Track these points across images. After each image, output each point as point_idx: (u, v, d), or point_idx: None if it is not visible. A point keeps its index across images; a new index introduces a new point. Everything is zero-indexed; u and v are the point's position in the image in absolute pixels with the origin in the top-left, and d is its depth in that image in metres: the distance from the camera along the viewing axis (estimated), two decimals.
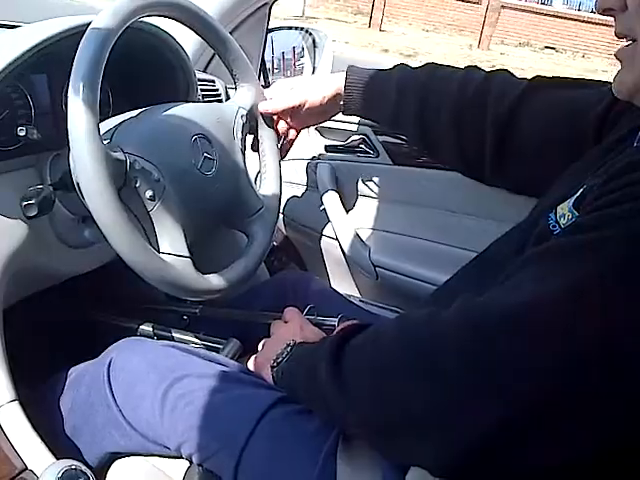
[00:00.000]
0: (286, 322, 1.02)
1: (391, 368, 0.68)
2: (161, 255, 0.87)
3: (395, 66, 1.14)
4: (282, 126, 1.16)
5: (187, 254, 0.89)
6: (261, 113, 1.12)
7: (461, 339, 0.62)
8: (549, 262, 0.62)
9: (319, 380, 0.77)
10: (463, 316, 0.64)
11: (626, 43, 0.71)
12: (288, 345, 0.91)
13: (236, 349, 1.07)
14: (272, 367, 0.91)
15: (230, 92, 1.42)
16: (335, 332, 0.85)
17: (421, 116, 1.08)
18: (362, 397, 0.71)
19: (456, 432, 0.62)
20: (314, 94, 1.14)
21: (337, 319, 1.03)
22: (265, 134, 1.13)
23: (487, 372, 0.60)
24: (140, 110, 0.96)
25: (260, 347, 0.99)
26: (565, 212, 0.69)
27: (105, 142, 0.82)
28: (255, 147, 1.15)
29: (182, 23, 0.99)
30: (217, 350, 1.05)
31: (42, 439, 0.84)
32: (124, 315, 1.21)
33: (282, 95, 1.14)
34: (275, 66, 1.73)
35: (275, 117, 1.15)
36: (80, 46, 0.81)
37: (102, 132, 0.82)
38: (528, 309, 0.60)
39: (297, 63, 1.79)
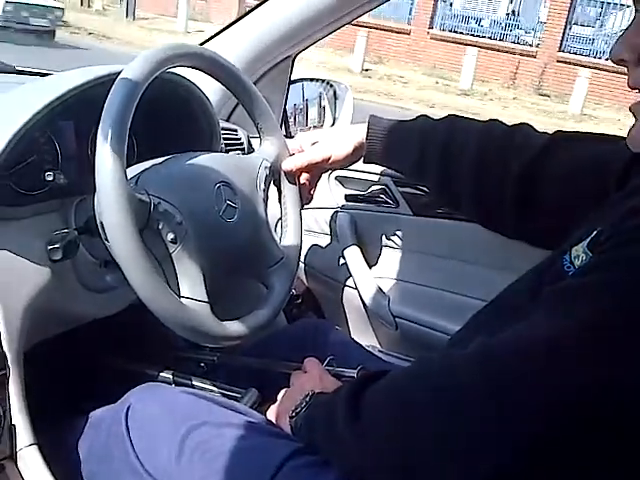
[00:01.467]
0: (305, 372, 1.01)
1: (410, 412, 0.68)
2: (181, 299, 0.87)
3: (417, 117, 1.15)
4: (304, 177, 1.17)
5: (206, 299, 0.90)
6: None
7: (476, 374, 0.63)
8: (563, 301, 0.63)
9: (337, 430, 0.76)
10: (479, 356, 0.65)
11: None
12: (307, 395, 0.91)
13: (255, 398, 1.06)
14: (291, 417, 0.90)
15: (252, 141, 1.44)
16: (352, 381, 0.84)
17: (443, 167, 1.09)
18: (381, 440, 0.71)
19: (478, 471, 0.61)
20: (338, 148, 1.15)
21: (356, 371, 1.02)
22: (287, 186, 1.14)
23: (504, 405, 0.60)
24: (165, 157, 0.98)
25: (279, 397, 0.98)
26: (580, 253, 0.69)
27: (130, 184, 0.84)
28: (278, 198, 1.16)
29: (208, 74, 1.02)
30: (236, 398, 1.05)
31: None
32: (143, 361, 1.21)
33: (306, 151, 1.15)
34: (297, 116, 1.75)
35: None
36: (110, 93, 0.83)
37: (129, 174, 0.84)
38: (543, 345, 0.61)
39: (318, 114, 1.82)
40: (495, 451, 0.61)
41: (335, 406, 0.78)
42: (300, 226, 1.14)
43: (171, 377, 1.15)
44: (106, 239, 0.82)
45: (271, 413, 0.96)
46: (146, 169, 0.94)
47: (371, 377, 0.79)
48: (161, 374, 1.15)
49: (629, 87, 0.73)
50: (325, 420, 0.82)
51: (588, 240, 0.69)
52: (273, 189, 1.13)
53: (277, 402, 0.97)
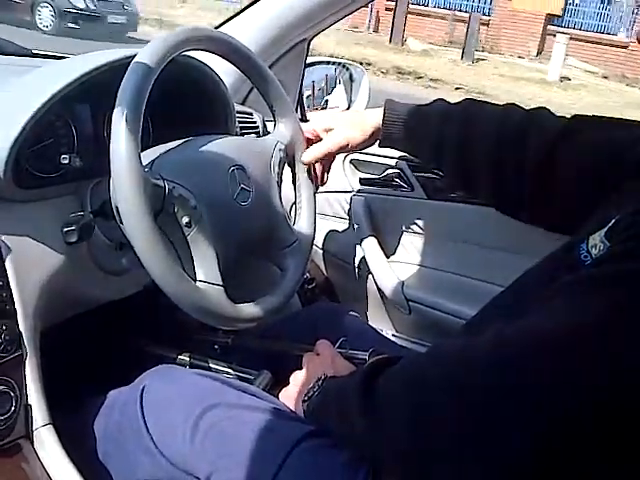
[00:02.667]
0: (318, 354, 1.01)
1: (424, 398, 0.68)
2: (195, 282, 0.87)
3: (434, 101, 1.14)
4: (319, 164, 1.17)
5: (221, 282, 0.90)
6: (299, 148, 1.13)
7: (494, 366, 0.62)
8: (581, 292, 0.62)
9: (350, 415, 0.76)
10: (495, 344, 0.64)
11: None
12: (319, 379, 0.91)
13: (267, 380, 1.06)
14: (303, 401, 0.91)
15: (267, 125, 1.44)
16: (365, 365, 0.85)
17: (460, 151, 1.08)
18: (395, 429, 0.70)
19: (492, 461, 0.61)
20: (354, 136, 1.14)
21: (368, 353, 1.02)
22: (301, 168, 1.14)
23: (520, 398, 0.60)
24: (180, 141, 0.98)
25: (292, 379, 0.98)
26: (597, 242, 0.68)
27: (145, 169, 0.84)
28: (292, 180, 1.16)
29: (224, 57, 1.02)
30: (249, 380, 1.06)
31: (74, 463, 0.84)
32: (157, 342, 1.22)
33: (323, 142, 1.14)
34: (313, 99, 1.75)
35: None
36: (125, 77, 0.83)
37: (143, 159, 0.84)
38: (561, 334, 0.60)
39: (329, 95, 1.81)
40: (511, 439, 0.60)
41: (348, 392, 0.78)
42: (314, 209, 1.14)
43: (186, 359, 1.16)
44: (121, 222, 0.82)
45: (284, 396, 0.97)
46: (161, 154, 0.94)
47: (384, 363, 0.79)
48: (174, 355, 1.16)
49: None
50: (338, 406, 0.82)
51: (606, 229, 0.68)
52: (287, 172, 1.13)
53: (290, 385, 0.98)
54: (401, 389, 0.72)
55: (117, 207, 0.82)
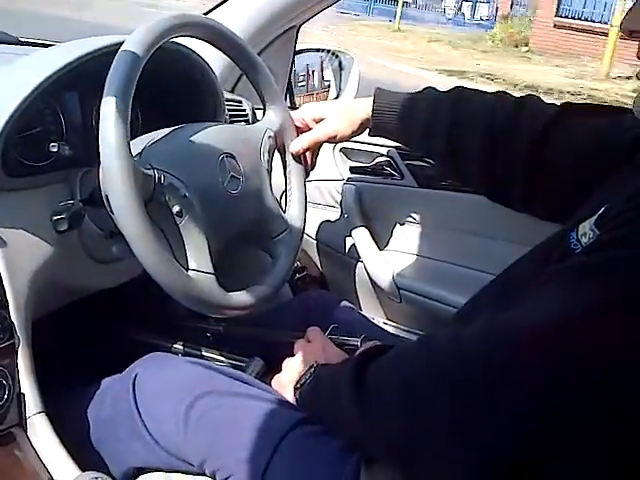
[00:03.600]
0: (309, 342, 1.02)
1: (415, 387, 0.68)
2: (187, 271, 0.88)
3: (424, 89, 1.14)
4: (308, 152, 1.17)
5: (212, 271, 0.90)
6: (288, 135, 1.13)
7: (484, 357, 0.63)
8: (571, 281, 0.63)
9: (341, 403, 0.77)
10: (486, 334, 0.65)
11: None
12: (311, 367, 0.92)
13: (260, 368, 1.07)
14: (295, 388, 0.91)
15: (257, 113, 1.43)
16: (357, 353, 0.85)
17: (451, 139, 1.08)
18: (385, 418, 0.71)
19: (480, 450, 0.62)
20: (344, 126, 1.13)
21: (359, 339, 1.02)
22: (291, 156, 1.14)
23: (508, 388, 0.60)
24: (169, 129, 0.98)
25: (283, 366, 0.99)
26: (587, 231, 0.69)
27: (134, 158, 0.84)
28: (282, 167, 1.15)
29: (212, 44, 1.01)
30: (241, 368, 1.06)
31: (68, 451, 0.85)
32: (149, 330, 1.22)
33: (312, 131, 1.13)
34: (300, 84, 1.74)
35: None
36: (113, 65, 0.83)
37: (132, 149, 0.83)
38: (550, 328, 0.60)
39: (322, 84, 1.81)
40: (501, 434, 0.61)
41: (339, 380, 0.79)
42: (304, 197, 1.14)
43: (178, 347, 1.16)
44: (112, 212, 0.82)
45: (276, 383, 0.97)
46: (150, 142, 0.94)
47: (376, 351, 0.80)
48: (166, 343, 1.16)
49: (637, 58, 0.73)
50: (329, 394, 0.83)
51: (595, 217, 0.68)
52: (277, 159, 1.13)
53: (282, 372, 0.98)
54: (392, 379, 0.72)
55: (107, 196, 0.82)
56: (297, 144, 1.12)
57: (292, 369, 0.96)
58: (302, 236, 1.12)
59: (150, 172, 0.86)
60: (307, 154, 1.15)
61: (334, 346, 1.00)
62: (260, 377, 1.03)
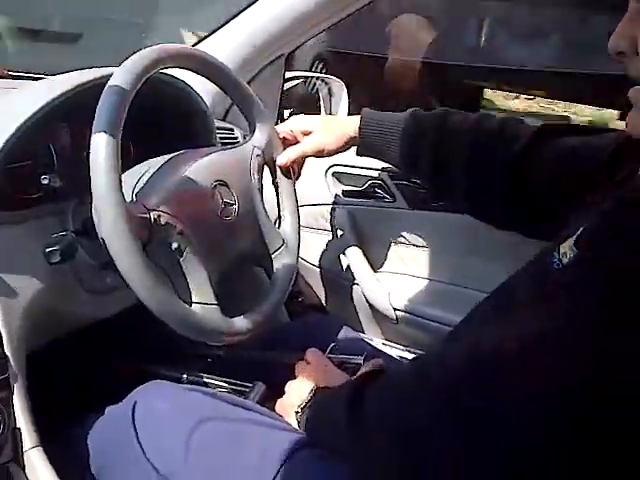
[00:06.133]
0: (309, 363, 1.01)
1: (409, 411, 0.69)
2: (190, 305, 0.88)
3: (410, 110, 1.15)
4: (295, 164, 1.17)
5: (215, 302, 0.91)
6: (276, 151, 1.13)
7: (467, 382, 0.63)
8: (550, 301, 0.63)
9: (339, 426, 0.77)
10: (467, 359, 0.66)
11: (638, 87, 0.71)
12: (312, 390, 0.92)
13: (262, 392, 1.06)
14: (296, 412, 0.91)
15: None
16: (354, 377, 0.85)
17: (435, 159, 1.09)
18: (380, 441, 0.71)
19: (472, 475, 0.62)
20: (330, 142, 1.15)
21: (362, 357, 1.02)
22: (280, 173, 1.15)
23: (492, 415, 0.61)
24: (160, 160, 0.98)
25: (286, 390, 0.98)
26: (567, 250, 0.69)
27: (128, 200, 0.84)
28: (272, 182, 1.16)
29: (199, 73, 1.02)
30: (244, 393, 1.05)
31: None
32: (147, 359, 1.21)
33: (300, 145, 1.14)
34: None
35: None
36: (101, 98, 0.83)
37: (125, 185, 0.84)
38: (532, 348, 0.61)
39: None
40: (488, 460, 0.61)
41: (337, 404, 0.79)
42: (297, 210, 1.14)
43: (175, 374, 1.15)
44: (109, 255, 0.82)
45: (279, 407, 0.97)
46: (141, 179, 0.94)
47: (372, 375, 0.80)
48: (164, 371, 1.16)
49: (625, 79, 0.73)
50: (328, 418, 0.83)
51: (575, 237, 0.69)
52: (267, 174, 1.14)
53: (284, 396, 0.98)
54: (387, 402, 0.73)
55: (103, 239, 0.82)
56: (284, 157, 1.13)
57: (293, 393, 0.96)
58: (299, 251, 1.13)
59: (145, 215, 0.86)
60: (294, 165, 1.16)
61: (334, 367, 1.00)
62: (262, 402, 1.03)
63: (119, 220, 0.79)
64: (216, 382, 1.12)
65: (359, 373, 0.92)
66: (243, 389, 1.08)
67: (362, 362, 1.01)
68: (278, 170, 1.14)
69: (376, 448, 0.72)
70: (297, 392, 0.94)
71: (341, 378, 0.96)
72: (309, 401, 0.90)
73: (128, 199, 0.86)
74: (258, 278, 1.18)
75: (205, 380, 1.13)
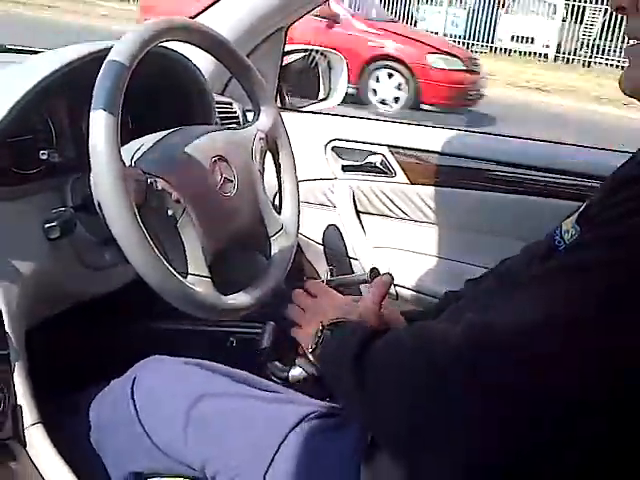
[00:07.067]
0: (314, 296, 0.94)
1: (404, 379, 0.68)
2: (181, 275, 0.87)
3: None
4: None
5: (207, 274, 0.90)
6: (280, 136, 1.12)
7: (465, 359, 0.62)
8: (552, 282, 0.62)
9: (347, 387, 0.75)
10: (467, 336, 0.64)
11: (635, 42, 0.71)
12: (321, 326, 0.85)
13: (274, 332, 1.00)
14: (311, 350, 0.86)
15: (248, 114, 1.43)
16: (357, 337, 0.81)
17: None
18: (384, 405, 0.70)
19: (463, 449, 0.61)
20: None
21: (368, 272, 1.00)
22: (283, 156, 1.13)
23: (487, 393, 0.60)
24: (160, 134, 0.97)
25: (299, 320, 0.92)
26: (569, 228, 0.69)
27: (125, 165, 0.83)
28: (274, 168, 1.15)
29: (200, 47, 1.01)
30: (257, 335, 1.02)
31: (66, 460, 0.84)
32: (147, 333, 1.21)
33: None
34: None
35: None
36: (101, 71, 0.82)
37: (123, 155, 0.83)
38: (530, 332, 0.60)
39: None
40: (483, 436, 0.60)
41: (342, 365, 0.76)
42: (297, 196, 1.13)
43: (187, 326, 1.15)
44: (104, 218, 0.82)
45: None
46: (141, 148, 0.93)
47: (377, 333, 0.77)
48: (173, 326, 1.16)
49: (625, 35, 0.72)
50: (336, 377, 0.80)
51: (577, 215, 0.69)
52: (269, 160, 1.12)
53: (297, 337, 0.91)
54: (385, 362, 0.72)
55: (99, 203, 0.82)
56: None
57: (306, 326, 0.89)
58: (297, 236, 1.12)
59: (142, 178, 0.85)
60: None
61: (340, 296, 0.94)
62: (276, 341, 0.98)
63: (115, 179, 0.79)
64: (228, 329, 1.11)
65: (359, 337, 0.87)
66: (256, 330, 1.06)
67: (368, 277, 0.98)
68: (281, 155, 1.12)
69: (382, 410, 0.70)
70: (310, 325, 0.88)
71: (350, 305, 0.91)
72: (319, 340, 0.84)
73: (127, 164, 0.86)
74: (254, 259, 1.16)
75: (215, 329, 1.12)
